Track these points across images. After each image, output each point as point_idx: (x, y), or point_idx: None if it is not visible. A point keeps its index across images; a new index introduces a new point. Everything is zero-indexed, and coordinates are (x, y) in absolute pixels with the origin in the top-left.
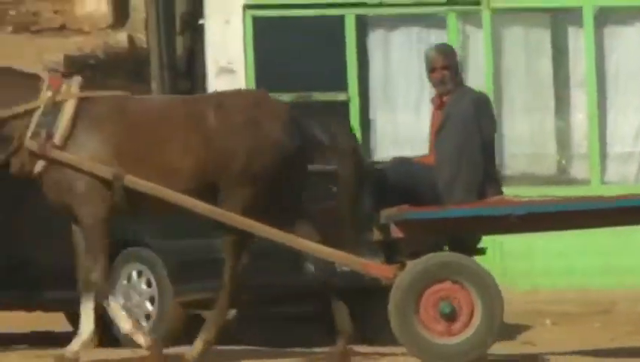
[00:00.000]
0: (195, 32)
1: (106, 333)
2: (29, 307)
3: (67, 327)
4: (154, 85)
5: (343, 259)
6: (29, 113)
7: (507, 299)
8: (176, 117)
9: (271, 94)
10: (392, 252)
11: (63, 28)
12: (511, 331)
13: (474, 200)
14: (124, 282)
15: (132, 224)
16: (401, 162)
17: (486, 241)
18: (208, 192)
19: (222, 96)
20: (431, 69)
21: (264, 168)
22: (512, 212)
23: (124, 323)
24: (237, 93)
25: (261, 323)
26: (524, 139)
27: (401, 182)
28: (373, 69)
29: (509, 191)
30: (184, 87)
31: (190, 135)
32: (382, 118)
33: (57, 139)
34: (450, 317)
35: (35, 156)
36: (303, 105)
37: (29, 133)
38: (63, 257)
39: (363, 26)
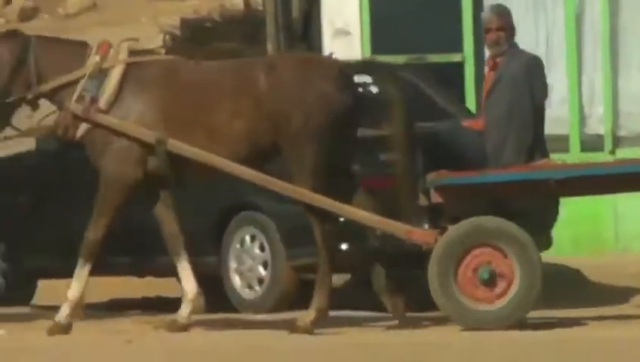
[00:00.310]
0: None
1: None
2: (141, 273)
3: (179, 293)
4: (270, 47)
5: (385, 225)
6: (75, 80)
7: (621, 262)
8: (225, 81)
9: (386, 56)
10: (436, 217)
11: None
12: (624, 294)
13: (522, 163)
14: (238, 246)
15: (246, 188)
16: (450, 125)
17: (599, 203)
18: (260, 156)
19: (272, 59)
20: (486, 30)
21: (320, 126)
22: (551, 176)
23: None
24: (287, 56)
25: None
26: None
27: (449, 146)
28: None
29: (624, 152)
30: (300, 49)
31: (240, 99)
32: None
33: (102, 103)
34: (490, 282)
35: (79, 119)
36: (417, 67)
37: (74, 97)
38: None
39: None
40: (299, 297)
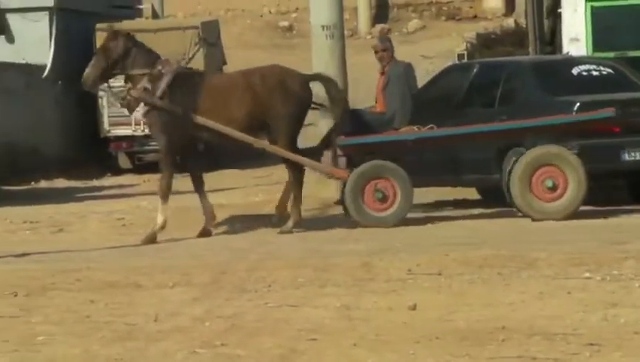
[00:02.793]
0: (556, 17)
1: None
2: (455, 185)
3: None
4: (530, 50)
5: (320, 168)
6: (143, 75)
7: None
8: (236, 84)
9: (600, 53)
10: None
11: (475, 17)
12: None
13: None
14: (508, 168)
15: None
16: (358, 110)
17: None
18: (256, 128)
19: (263, 70)
20: (375, 52)
21: (291, 111)
22: (407, 138)
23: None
24: (272, 67)
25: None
26: None
27: (364, 121)
28: None
29: None
30: (549, 51)
31: (244, 94)
32: None
33: (157, 93)
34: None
35: (137, 100)
36: (621, 59)
37: (139, 87)
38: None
39: None
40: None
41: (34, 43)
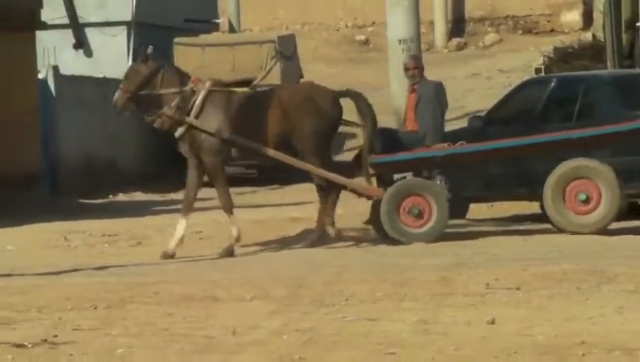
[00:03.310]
0: (635, 31)
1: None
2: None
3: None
4: (608, 64)
5: (354, 185)
6: (175, 94)
7: None
8: (265, 101)
9: None
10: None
11: (552, 30)
12: None
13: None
14: None
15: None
16: (390, 129)
17: None
18: (285, 145)
19: (292, 86)
20: (405, 69)
21: (319, 128)
22: (437, 154)
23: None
24: (302, 84)
25: None
26: None
27: (396, 139)
28: None
29: None
30: (627, 65)
31: (273, 112)
32: None
33: (192, 113)
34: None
35: (171, 119)
36: None
37: (172, 105)
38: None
39: None
40: (628, 214)
41: (112, 57)
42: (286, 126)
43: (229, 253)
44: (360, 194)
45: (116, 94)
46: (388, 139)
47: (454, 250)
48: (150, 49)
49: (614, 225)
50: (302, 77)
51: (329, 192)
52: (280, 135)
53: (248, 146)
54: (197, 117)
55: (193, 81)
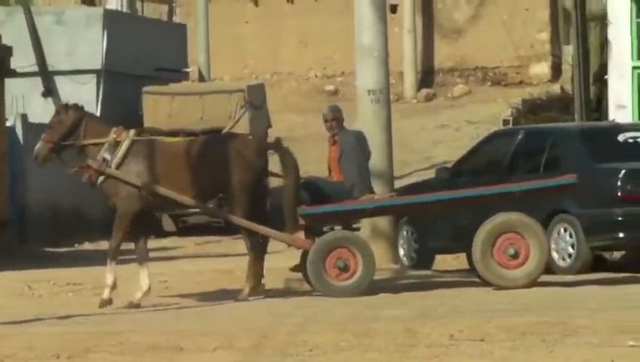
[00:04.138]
0: (602, 84)
1: None
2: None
3: None
4: (576, 116)
5: (280, 237)
6: (99, 145)
7: None
8: (190, 151)
9: None
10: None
11: (521, 82)
12: None
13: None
14: (556, 235)
15: (561, 201)
16: (317, 179)
17: None
18: (211, 196)
19: (218, 137)
20: (325, 120)
21: (245, 180)
22: (367, 206)
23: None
24: (229, 135)
25: None
26: None
27: (320, 190)
28: None
29: None
30: (595, 117)
31: (198, 162)
32: None
33: (113, 162)
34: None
35: (96, 172)
36: None
37: (98, 158)
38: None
39: None
40: (593, 266)
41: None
42: (211, 176)
43: (132, 305)
44: (289, 244)
45: (38, 145)
46: (316, 189)
47: (419, 301)
48: (71, 103)
49: (580, 277)
50: (270, 126)
51: (257, 244)
52: (204, 185)
53: (169, 196)
54: (118, 167)
55: (116, 131)
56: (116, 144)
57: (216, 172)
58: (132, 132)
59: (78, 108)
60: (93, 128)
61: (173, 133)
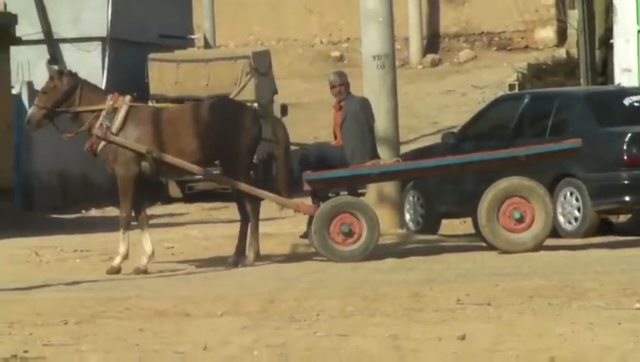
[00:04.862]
0: (608, 48)
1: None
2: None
3: None
4: (581, 80)
5: (284, 202)
6: (94, 112)
7: None
8: (187, 117)
9: None
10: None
11: (526, 47)
12: None
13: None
14: (562, 199)
15: (566, 162)
16: (320, 144)
17: None
18: (209, 161)
19: (214, 101)
20: (331, 87)
21: (243, 145)
22: (372, 172)
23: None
24: (223, 99)
25: None
26: None
27: (321, 156)
28: None
29: None
30: (600, 82)
31: (196, 127)
32: None
33: (114, 129)
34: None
35: (99, 139)
36: None
37: (97, 125)
38: None
39: None
40: (599, 229)
41: (87, 73)
42: (209, 142)
43: (139, 271)
44: (295, 211)
45: (31, 110)
46: (317, 154)
47: (426, 265)
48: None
49: (586, 241)
50: (276, 92)
51: (256, 208)
52: (203, 151)
53: (170, 162)
54: (118, 133)
55: (112, 98)
56: (113, 111)
57: (211, 136)
58: (127, 97)
59: (72, 74)
60: (88, 95)
61: (179, 100)
